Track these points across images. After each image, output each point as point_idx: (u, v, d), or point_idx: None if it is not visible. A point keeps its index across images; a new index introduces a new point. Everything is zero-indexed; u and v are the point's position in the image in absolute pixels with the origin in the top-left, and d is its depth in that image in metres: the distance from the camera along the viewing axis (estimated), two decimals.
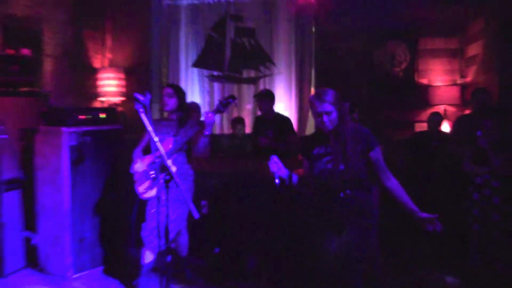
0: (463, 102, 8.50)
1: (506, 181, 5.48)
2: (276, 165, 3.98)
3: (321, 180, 3.96)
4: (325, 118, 3.89)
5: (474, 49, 8.33)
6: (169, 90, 5.42)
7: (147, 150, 5.43)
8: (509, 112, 6.70)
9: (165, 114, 5.61)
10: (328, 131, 3.95)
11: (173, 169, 5.04)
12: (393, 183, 3.95)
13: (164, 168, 4.36)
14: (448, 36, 8.71)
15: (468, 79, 8.51)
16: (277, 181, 3.96)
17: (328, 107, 3.87)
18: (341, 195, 3.87)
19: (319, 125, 3.98)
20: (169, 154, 5.16)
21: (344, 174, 3.85)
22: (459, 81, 8.66)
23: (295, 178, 4.09)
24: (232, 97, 5.21)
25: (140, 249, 5.34)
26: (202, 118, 5.07)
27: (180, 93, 5.48)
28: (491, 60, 7.73)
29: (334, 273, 3.86)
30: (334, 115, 3.90)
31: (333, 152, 3.92)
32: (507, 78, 7.32)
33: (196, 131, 5.15)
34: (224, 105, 5.14)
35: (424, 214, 3.85)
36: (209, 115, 5.04)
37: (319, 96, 3.91)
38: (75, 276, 5.79)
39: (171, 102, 5.39)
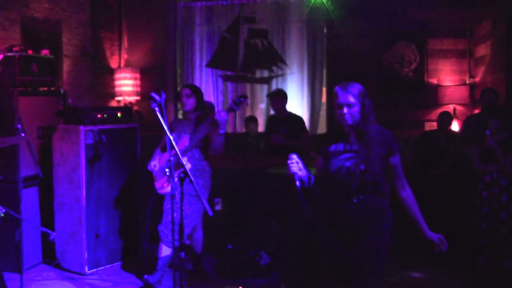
0: (472, 102, 8.58)
1: None
2: (296, 166, 3.67)
3: (338, 178, 3.68)
4: (345, 110, 3.62)
5: (482, 50, 8.41)
6: (187, 91, 5.55)
7: (165, 148, 5.57)
8: None
9: (180, 114, 5.73)
10: (348, 127, 3.70)
11: (188, 166, 5.19)
12: (408, 194, 3.76)
13: (179, 166, 4.52)
14: (457, 37, 8.80)
15: (477, 79, 8.59)
16: (297, 183, 3.65)
17: (351, 98, 3.62)
18: (360, 197, 3.62)
19: (338, 118, 3.70)
20: (185, 152, 5.31)
21: (364, 175, 3.61)
22: (468, 81, 8.73)
23: (312, 179, 3.78)
24: (244, 96, 5.33)
25: (157, 244, 5.49)
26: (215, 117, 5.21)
27: (198, 93, 5.60)
28: (499, 61, 7.80)
29: (350, 277, 3.70)
30: (356, 109, 3.64)
31: (355, 150, 3.67)
32: None
33: (209, 129, 5.29)
34: (236, 103, 5.26)
35: (432, 235, 3.73)
36: (222, 114, 5.18)
37: (344, 86, 3.68)
38: (90, 271, 5.87)
39: (190, 102, 5.52)
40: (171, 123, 5.63)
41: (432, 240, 3.72)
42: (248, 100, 9.49)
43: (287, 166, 3.69)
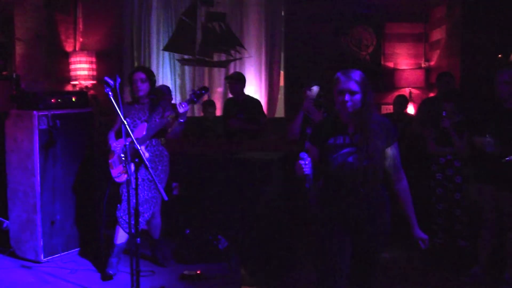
0: (427, 85, 8.69)
1: (467, 161, 5.66)
2: (307, 167, 3.46)
3: (341, 174, 3.56)
4: (347, 97, 3.48)
5: (437, 34, 8.51)
6: (141, 75, 5.45)
7: (120, 134, 5.50)
8: (471, 94, 6.90)
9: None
10: (348, 116, 3.57)
11: (146, 155, 5.18)
12: (403, 187, 3.72)
13: (135, 152, 4.48)
14: (414, 21, 8.87)
15: (432, 63, 8.69)
16: (307, 185, 3.47)
17: (353, 85, 3.49)
18: (362, 191, 3.53)
19: (338, 106, 3.57)
20: (142, 141, 5.27)
21: (367, 169, 3.52)
22: (423, 65, 8.83)
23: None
24: (205, 89, 5.33)
25: (113, 230, 5.46)
26: (174, 101, 5.18)
27: (152, 77, 5.54)
28: (454, 45, 7.91)
29: (352, 266, 3.68)
30: (358, 97, 3.49)
31: (356, 144, 3.55)
32: (468, 62, 7.52)
33: (167, 121, 5.26)
34: (197, 95, 5.25)
35: (419, 233, 3.73)
36: (183, 105, 5.16)
37: (346, 72, 3.54)
38: (46, 259, 5.81)
39: (144, 87, 5.44)
40: (123, 107, 5.54)
41: (418, 237, 3.73)
42: (205, 84, 9.52)
43: (298, 167, 3.48)
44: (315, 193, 3.73)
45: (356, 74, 3.54)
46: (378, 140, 3.54)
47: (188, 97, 5.31)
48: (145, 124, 5.32)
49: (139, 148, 4.43)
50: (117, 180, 5.41)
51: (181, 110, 5.15)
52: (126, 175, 5.16)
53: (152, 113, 5.41)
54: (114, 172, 5.42)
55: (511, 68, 5.20)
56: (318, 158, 3.68)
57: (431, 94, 8.28)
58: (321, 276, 3.66)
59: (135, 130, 5.27)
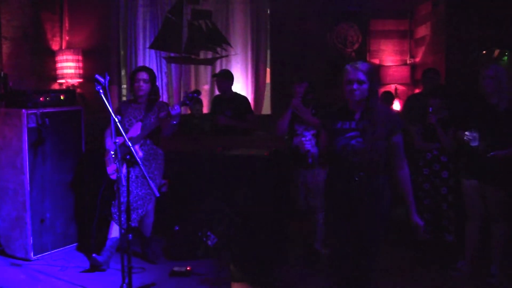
0: (412, 82, 8.78)
1: (453, 156, 5.74)
2: (310, 143, 3.90)
3: (343, 156, 3.83)
4: (355, 86, 3.78)
5: (422, 31, 8.59)
6: (145, 76, 5.50)
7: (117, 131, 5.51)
8: (455, 90, 6.97)
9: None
10: (355, 103, 3.86)
11: (139, 154, 5.21)
12: (404, 174, 3.94)
13: (127, 149, 4.50)
14: (399, 18, 8.97)
15: (418, 59, 8.78)
16: (310, 160, 3.90)
17: (361, 75, 3.78)
18: (361, 175, 3.78)
19: (347, 94, 3.85)
20: (137, 139, 5.30)
21: (369, 153, 3.77)
22: (409, 61, 8.93)
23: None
24: (198, 92, 5.41)
25: (106, 228, 5.51)
26: (161, 99, 5.21)
27: (154, 79, 5.61)
28: (439, 41, 8.00)
29: (349, 253, 3.88)
30: (365, 87, 3.79)
31: (361, 129, 3.83)
32: (453, 58, 7.61)
33: (160, 122, 5.32)
34: (189, 98, 5.31)
35: (417, 219, 3.95)
36: (175, 107, 5.21)
37: (354, 64, 3.86)
38: (36, 257, 5.80)
39: (146, 87, 5.50)
40: (119, 105, 5.60)
41: (416, 224, 3.95)
42: (192, 82, 9.55)
43: (300, 144, 3.90)
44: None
45: (364, 65, 3.86)
46: (382, 127, 3.80)
47: (181, 99, 5.36)
48: (140, 123, 5.36)
49: (130, 145, 4.46)
50: (112, 177, 5.47)
51: (173, 112, 5.19)
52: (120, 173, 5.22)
53: (148, 112, 5.46)
54: (109, 169, 5.49)
55: (496, 64, 5.27)
56: (327, 142, 3.99)
57: (417, 90, 8.36)
58: (331, 253, 4.06)
59: (130, 129, 5.33)
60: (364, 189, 3.80)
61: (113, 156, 5.24)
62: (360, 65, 3.85)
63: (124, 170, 4.56)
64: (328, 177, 4.06)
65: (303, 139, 3.88)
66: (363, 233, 3.86)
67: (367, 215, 3.83)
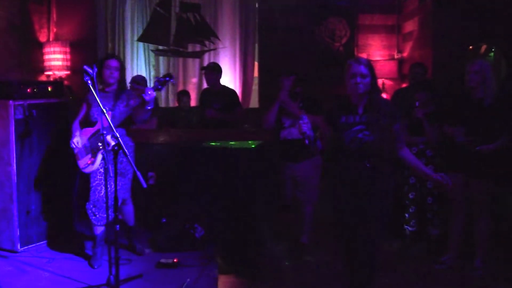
0: (400, 76, 8.82)
1: (439, 150, 5.78)
2: (306, 126, 4.02)
3: (352, 148, 4.04)
4: (359, 79, 3.97)
5: (410, 26, 8.63)
6: (116, 63, 5.42)
7: (84, 123, 5.47)
8: (442, 85, 7.01)
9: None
10: (358, 97, 4.05)
11: (111, 143, 5.14)
12: (406, 151, 4.22)
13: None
14: (386, 12, 9.00)
15: (405, 54, 8.83)
16: (306, 141, 4.02)
17: (364, 69, 3.99)
18: (368, 163, 4.01)
19: (350, 88, 4.04)
20: (108, 130, 5.25)
21: (375, 144, 4.00)
22: (396, 56, 8.97)
23: (318, 143, 4.34)
24: (169, 76, 5.31)
25: (87, 221, 5.48)
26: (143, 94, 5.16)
27: (123, 66, 5.56)
28: (426, 36, 8.04)
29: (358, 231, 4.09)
30: (368, 80, 4.00)
31: (365, 122, 4.04)
32: (440, 53, 7.65)
33: (130, 111, 5.27)
34: (161, 83, 5.21)
35: (436, 175, 4.18)
36: (149, 92, 5.12)
37: (357, 59, 4.10)
38: (22, 249, 5.79)
39: (116, 75, 5.42)
40: (87, 96, 5.48)
41: (437, 179, 4.16)
42: (180, 75, 9.52)
43: (298, 126, 4.04)
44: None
45: (365, 61, 4.10)
46: (385, 118, 4.03)
47: (153, 84, 5.29)
48: (110, 112, 5.22)
49: (117, 135, 4.47)
50: (84, 171, 5.36)
51: (147, 98, 5.11)
52: (94, 166, 5.18)
53: (116, 101, 5.37)
54: (81, 163, 5.37)
55: (481, 59, 5.31)
56: (331, 135, 4.21)
57: (404, 85, 8.40)
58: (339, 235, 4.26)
59: (99, 119, 5.12)
60: (372, 176, 4.03)
61: (100, 147, 5.17)
62: (362, 60, 4.09)
63: (112, 160, 4.54)
64: (335, 168, 4.24)
65: (301, 121, 4.00)
66: (374, 208, 4.07)
67: (378, 194, 4.07)
